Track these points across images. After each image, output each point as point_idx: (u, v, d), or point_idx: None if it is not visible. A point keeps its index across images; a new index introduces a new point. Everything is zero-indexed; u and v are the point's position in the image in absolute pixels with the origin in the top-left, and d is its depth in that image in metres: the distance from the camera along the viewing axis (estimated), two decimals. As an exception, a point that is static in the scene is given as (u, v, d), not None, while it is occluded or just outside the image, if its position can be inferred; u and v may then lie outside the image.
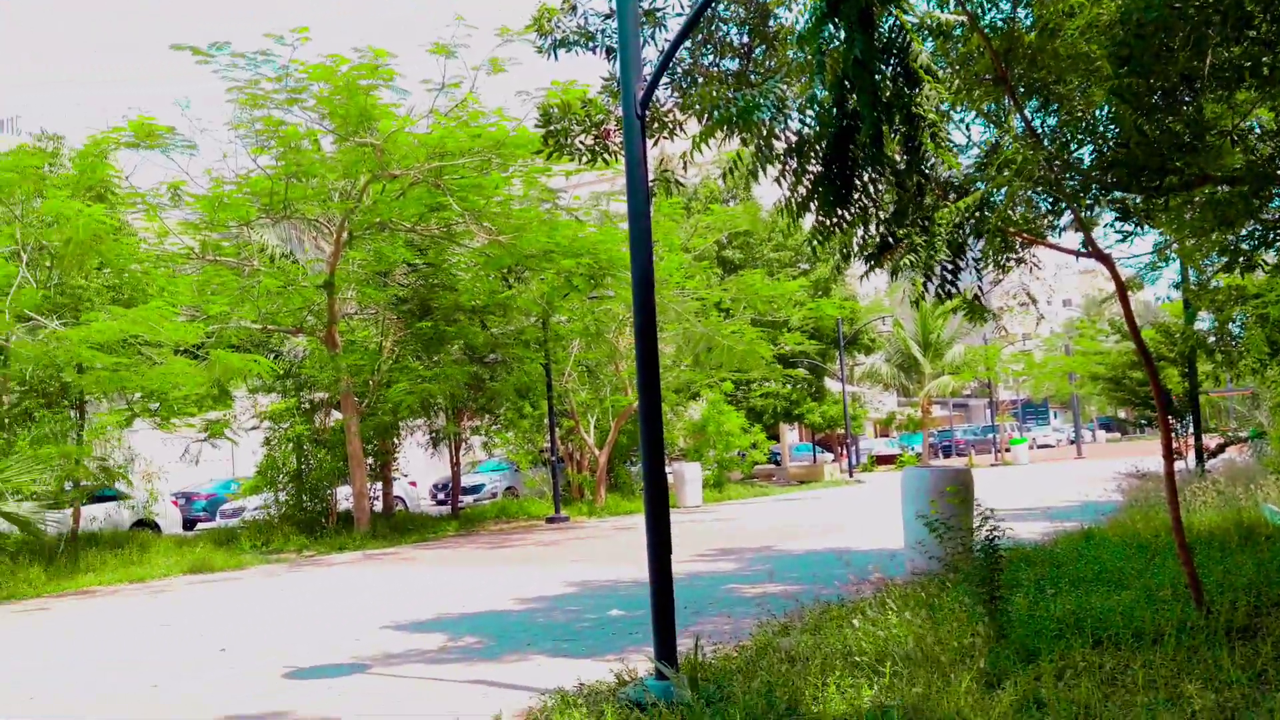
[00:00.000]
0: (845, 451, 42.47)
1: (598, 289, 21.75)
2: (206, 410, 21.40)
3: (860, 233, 7.81)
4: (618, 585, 11.74)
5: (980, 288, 8.37)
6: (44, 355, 15.17)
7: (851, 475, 39.52)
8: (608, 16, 8.73)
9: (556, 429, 25.82)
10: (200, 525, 28.77)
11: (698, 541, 16.40)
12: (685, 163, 7.78)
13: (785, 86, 6.64)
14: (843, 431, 40.97)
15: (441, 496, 34.53)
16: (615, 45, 8.57)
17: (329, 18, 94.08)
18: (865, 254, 7.92)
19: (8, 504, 14.62)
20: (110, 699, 7.27)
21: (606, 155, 9.07)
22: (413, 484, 31.11)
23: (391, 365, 22.27)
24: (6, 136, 41.18)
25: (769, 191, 38.30)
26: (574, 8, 8.65)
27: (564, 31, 8.74)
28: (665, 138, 8.99)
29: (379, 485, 23.96)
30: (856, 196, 7.29)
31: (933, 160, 6.96)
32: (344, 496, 22.73)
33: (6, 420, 17.49)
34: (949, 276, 7.73)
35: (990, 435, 55.18)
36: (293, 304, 21.07)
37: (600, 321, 24.12)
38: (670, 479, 23.99)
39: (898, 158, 7.22)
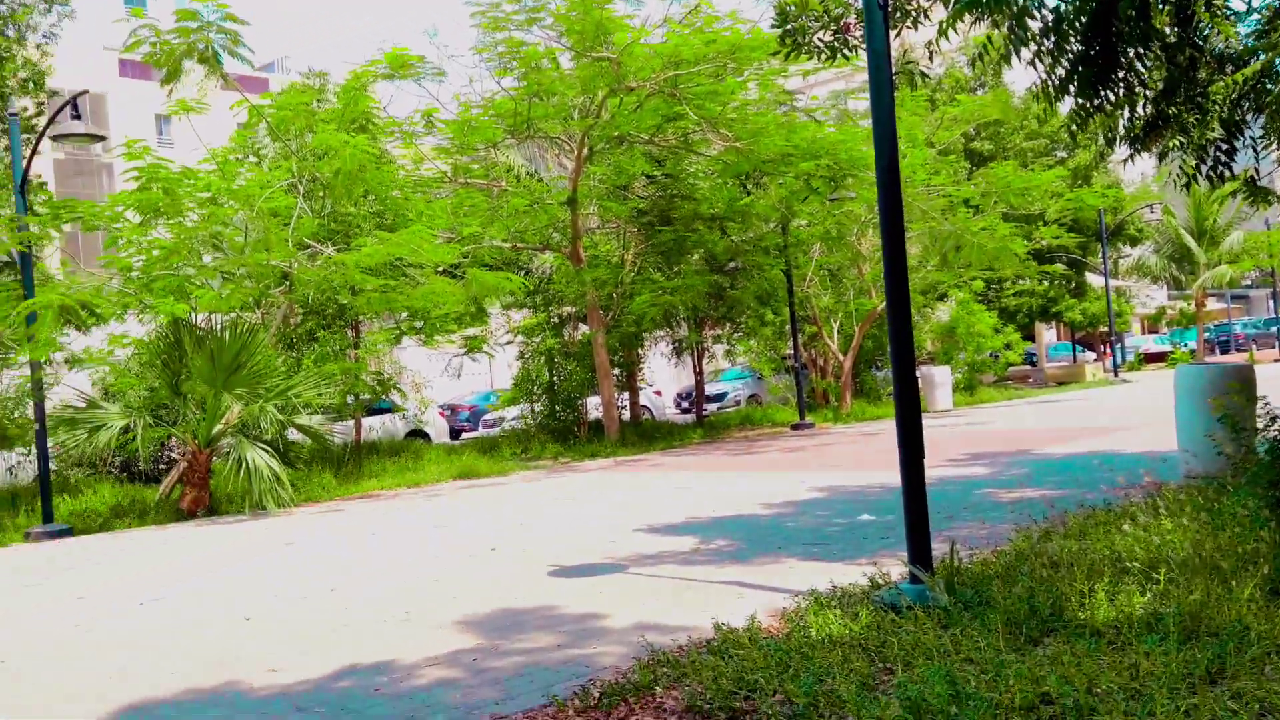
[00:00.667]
0: (1109, 350, 40.05)
1: (838, 191, 21.27)
2: (465, 327, 22.66)
3: (1125, 114, 7.26)
4: (866, 490, 11.67)
5: (1257, 168, 7.61)
6: (322, 280, 16.43)
7: (1116, 375, 37.30)
8: (844, -96, 8.36)
9: (799, 335, 25.69)
10: (465, 434, 30.73)
11: (948, 446, 16.02)
12: (931, 52, 7.42)
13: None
14: (1105, 329, 38.59)
15: (686, 405, 35.27)
16: (853, -66, 8.22)
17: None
18: (1131, 137, 7.35)
19: (300, 417, 16.12)
20: (404, 589, 7.96)
21: (846, 51, 8.75)
22: (658, 393, 31.92)
23: (634, 277, 22.74)
24: (278, 76, 44.30)
25: (1020, 77, 36.21)
26: (809, -101, 8.32)
27: (800, -75, 8.44)
28: (908, 27, 8.59)
29: (626, 395, 24.71)
30: (1120, 75, 6.75)
31: (1207, 31, 6.33)
32: (593, 406, 23.62)
33: (293, 340, 19.16)
34: (1223, 157, 7.09)
35: (1273, 329, 50.51)
36: (539, 222, 21.82)
37: (841, 224, 23.63)
38: (918, 383, 23.45)
39: (1166, 30, 6.62)
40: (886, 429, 21.51)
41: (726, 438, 22.93)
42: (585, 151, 20.76)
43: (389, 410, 23.40)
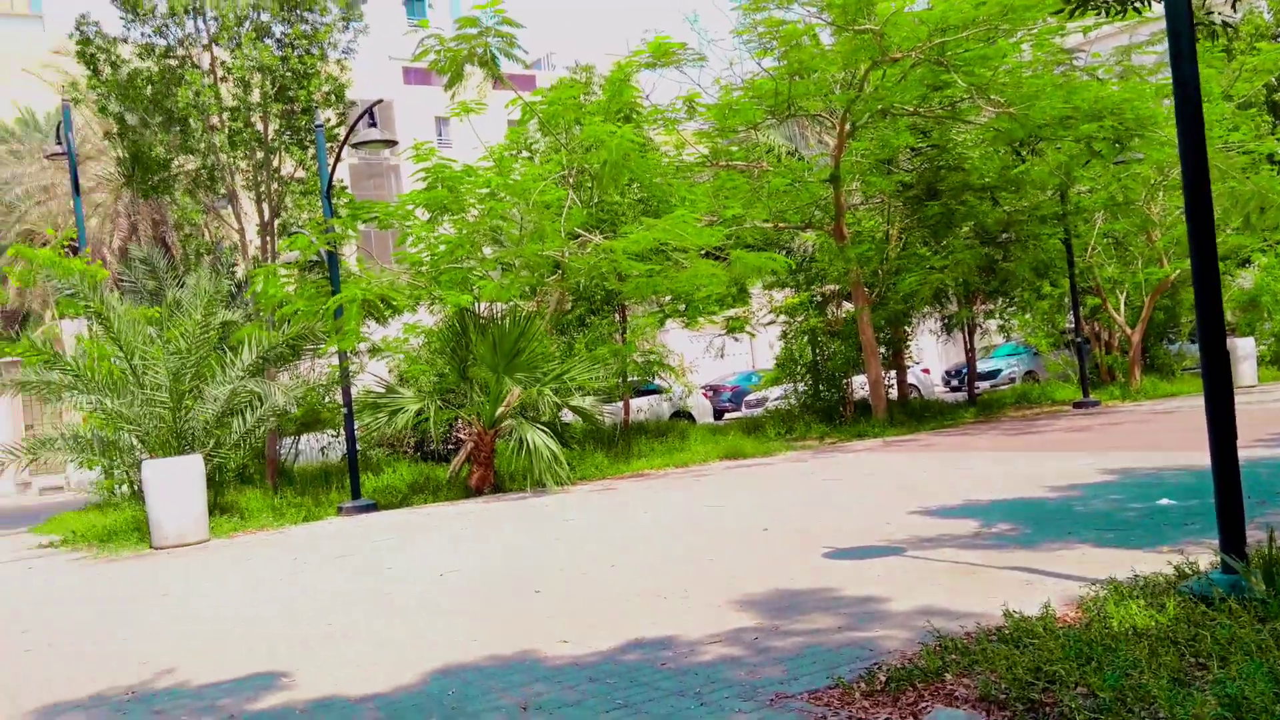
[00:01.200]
0: None
1: (1124, 153, 19.82)
2: (727, 308, 22.88)
3: None
4: (1163, 473, 10.88)
5: None
6: (592, 267, 17.03)
7: None
8: None
9: (1080, 308, 24.23)
10: (727, 415, 31.04)
11: (1257, 425, 14.67)
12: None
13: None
14: None
15: (955, 383, 34.07)
16: (1143, -125, 7.63)
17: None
18: None
19: (574, 398, 16.81)
20: (681, 567, 8.18)
21: (1136, 4, 8.16)
22: (925, 371, 30.99)
23: (899, 253, 22.16)
24: (544, 72, 46.18)
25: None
26: None
27: None
28: (1208, -29, 7.90)
29: (892, 373, 24.15)
30: None
31: None
32: (859, 385, 23.24)
33: (564, 327, 19.99)
34: None
35: None
36: (800, 200, 21.64)
37: (1128, 188, 22.04)
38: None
39: None
40: (1182, 407, 19.94)
41: (1001, 417, 21.98)
42: (847, 127, 20.39)
43: (655, 392, 24.00)
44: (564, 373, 16.56)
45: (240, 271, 19.71)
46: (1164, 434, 15.39)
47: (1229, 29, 8.16)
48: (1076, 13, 8.45)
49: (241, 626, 7.52)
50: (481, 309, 16.99)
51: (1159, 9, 7.40)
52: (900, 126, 21.03)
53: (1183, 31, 5.65)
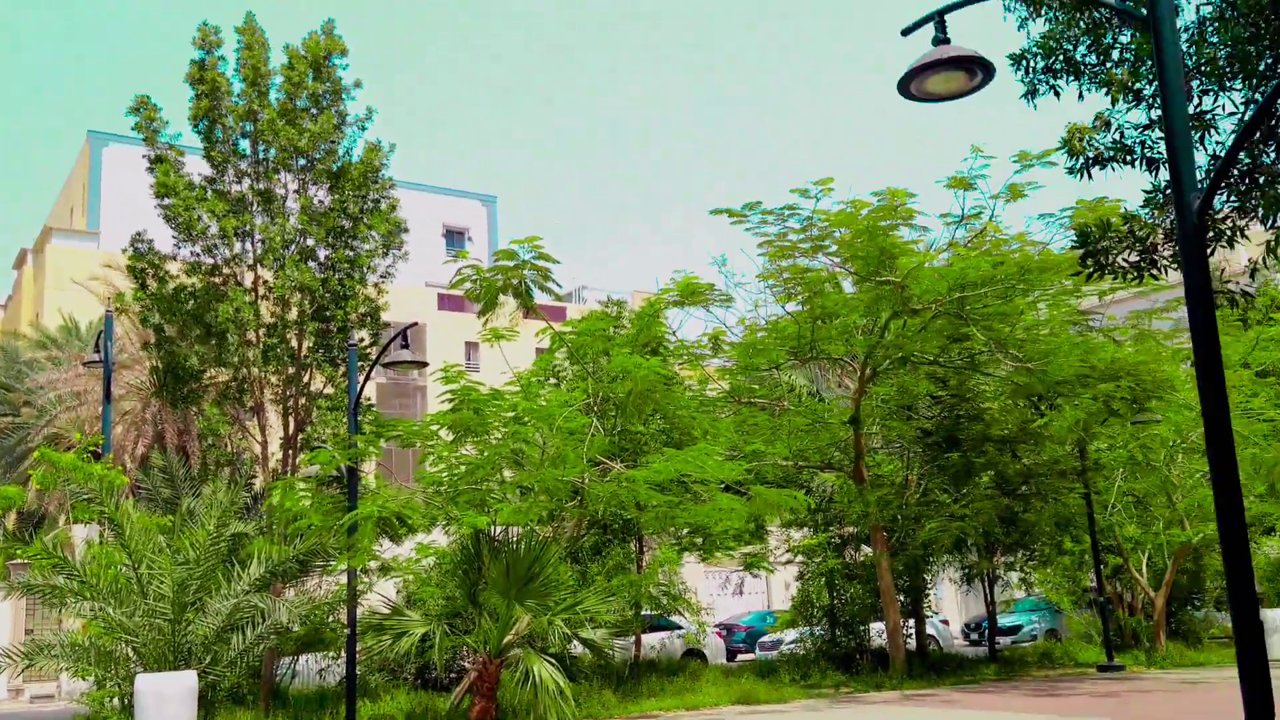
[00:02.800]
0: None
1: (1142, 413, 19.99)
2: (745, 544, 22.59)
3: None
4: (1198, 748, 10.35)
5: None
6: (611, 495, 16.98)
7: None
8: (1146, 127, 8.26)
9: (1102, 566, 23.77)
10: (741, 656, 30.04)
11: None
12: (1253, 270, 7.03)
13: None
14: None
15: (975, 636, 33.05)
16: (1157, 156, 8.07)
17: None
18: None
19: (585, 630, 16.36)
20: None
21: (1154, 271, 8.45)
22: (945, 622, 30.16)
23: (919, 498, 22.04)
24: (575, 305, 47.74)
25: (1346, 291, 32.96)
26: (1108, 123, 8.30)
27: (1097, 149, 8.40)
28: (1222, 246, 8.20)
29: (911, 622, 23.51)
30: None
31: None
32: (876, 632, 22.59)
33: (580, 555, 19.73)
34: None
35: None
36: (820, 441, 21.77)
37: (1147, 448, 22.08)
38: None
39: None
40: (1211, 678, 19.18)
41: (1024, 676, 21.17)
42: (867, 372, 20.75)
43: (668, 628, 23.41)
44: (577, 603, 16.17)
45: (258, 483, 19.76)
46: (1196, 707, 14.75)
47: (1247, 298, 8.39)
48: (1094, 277, 8.75)
49: None
50: (497, 532, 16.85)
51: (1174, 277, 7.64)
52: (920, 374, 21.39)
53: (1201, 295, 5.80)
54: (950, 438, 21.98)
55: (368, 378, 16.14)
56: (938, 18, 7.08)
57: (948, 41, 7.03)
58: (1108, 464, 22.98)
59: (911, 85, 7.13)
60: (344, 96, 19.11)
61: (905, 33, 7.28)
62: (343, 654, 16.84)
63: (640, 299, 21.04)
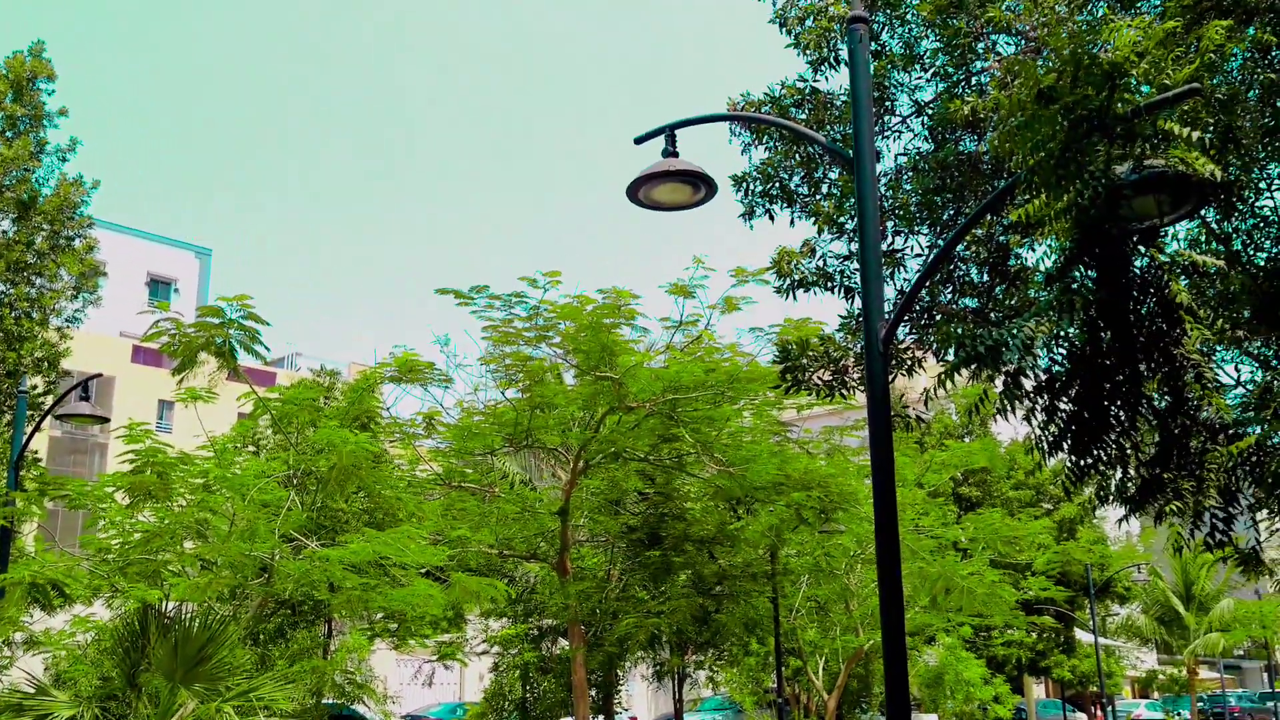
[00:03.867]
0: (1101, 712, 38.66)
1: (829, 523, 21.30)
2: (441, 632, 22.01)
3: (1118, 474, 7.41)
4: None
5: (1257, 538, 7.68)
6: (304, 574, 16.11)
7: (1109, 738, 35.77)
8: (845, 258, 8.97)
9: (784, 668, 24.88)
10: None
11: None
12: (927, 398, 7.69)
13: (1033, 325, 6.53)
14: (1096, 690, 37.42)
15: (662, 734, 33.60)
16: (853, 285, 8.76)
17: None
18: (1125, 498, 7.47)
19: (259, 718, 15.27)
20: None
21: (844, 390, 9.09)
22: (634, 719, 30.50)
23: (619, 594, 22.32)
24: (287, 371, 45.65)
25: (1006, 427, 37.00)
26: (813, 251, 8.95)
27: (803, 273, 9.02)
28: (903, 374, 8.96)
29: (600, 719, 23.57)
30: (1113, 437, 6.96)
31: (1197, 402, 6.59)
32: (567, 727, 22.49)
33: (263, 636, 18.53)
34: (1221, 525, 7.16)
35: (1271, 705, 48.68)
36: (528, 530, 21.71)
37: (831, 556, 23.49)
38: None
39: (1156, 397, 6.89)
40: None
41: (703, 775, 21.62)
42: (581, 464, 20.98)
43: (352, 718, 22.27)
44: (252, 689, 15.06)
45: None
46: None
47: (921, 423, 9.16)
48: (791, 391, 9.30)
49: None
50: (170, 608, 15.52)
51: (862, 398, 8.23)
52: (631, 470, 21.87)
53: (882, 418, 6.28)
54: (654, 535, 22.51)
55: (36, 429, 14.65)
56: (669, 132, 7.42)
57: (676, 155, 7.37)
58: (795, 569, 24.23)
59: (640, 192, 7.41)
60: (45, 122, 17.65)
61: (638, 141, 7.57)
62: (-32, 739, 14.82)
63: (356, 371, 20.44)
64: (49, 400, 16.89)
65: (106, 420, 14.53)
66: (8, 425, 16.58)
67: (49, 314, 17.37)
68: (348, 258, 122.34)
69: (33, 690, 14.86)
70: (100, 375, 15.09)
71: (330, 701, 20.34)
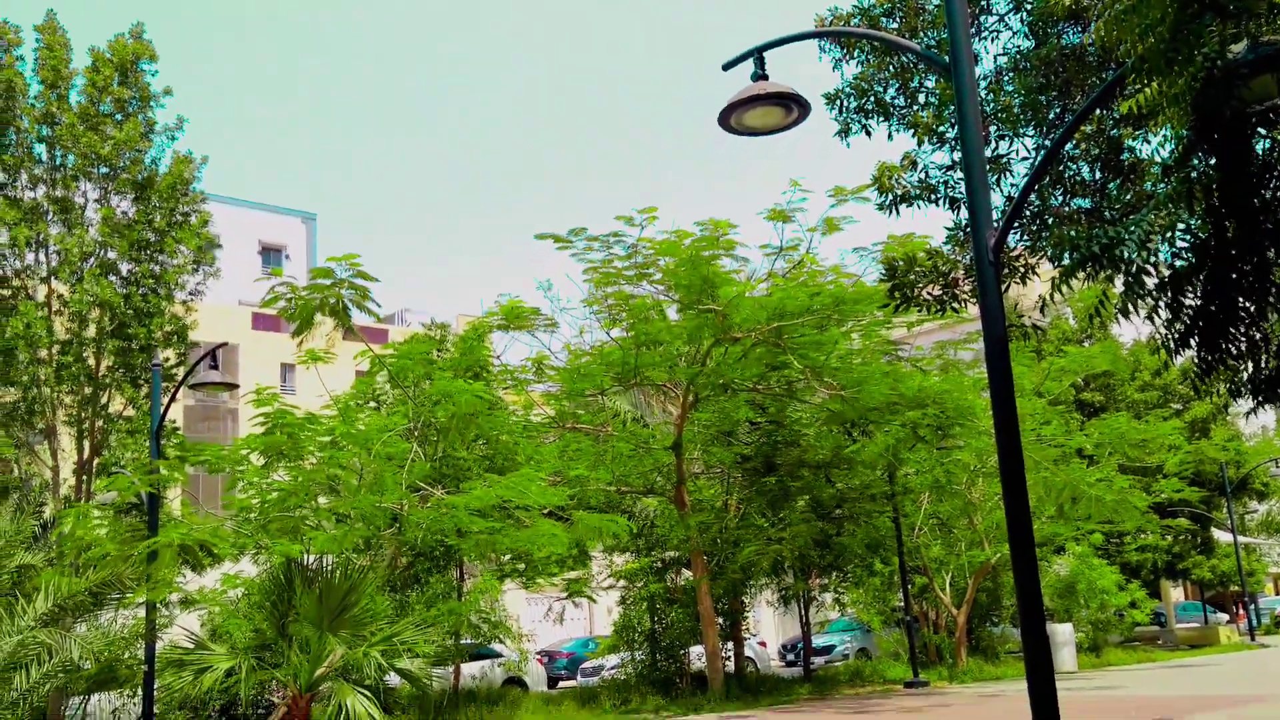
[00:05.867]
0: (1243, 611, 37.62)
1: (946, 440, 21.04)
2: (567, 570, 22.52)
3: (1249, 366, 7.14)
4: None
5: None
6: (432, 522, 16.65)
7: (1253, 638, 34.83)
8: (949, 168, 8.74)
9: (909, 586, 24.83)
10: (562, 683, 29.88)
11: (1081, 713, 14.96)
12: (1043, 306, 7.49)
13: (1151, 219, 6.28)
14: (1237, 589, 36.40)
15: (791, 657, 33.90)
16: (958, 195, 8.54)
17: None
18: (1256, 389, 7.20)
19: (402, 660, 15.93)
20: None
21: (955, 304, 8.91)
22: (762, 644, 30.85)
23: (738, 523, 22.50)
24: (398, 328, 46.74)
25: (1127, 329, 35.87)
26: (914, 163, 8.73)
27: (905, 187, 8.82)
28: (1016, 282, 8.72)
29: (729, 645, 23.92)
30: (1242, 330, 6.69)
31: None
32: (696, 656, 22.88)
33: (400, 584, 19.24)
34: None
35: None
36: (643, 466, 21.98)
37: (951, 473, 23.23)
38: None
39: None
40: (1007, 690, 20.25)
41: (836, 694, 21.83)
42: (690, 398, 21.10)
43: (489, 656, 23.06)
44: (394, 634, 15.71)
45: (48, 511, 18.46)
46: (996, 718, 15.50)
47: (1038, 330, 8.94)
48: (900, 309, 9.15)
49: None
50: (310, 561, 16.22)
51: (974, 310, 8.08)
52: (740, 401, 21.91)
53: (997, 329, 6.15)
54: (768, 463, 22.57)
55: (172, 399, 15.34)
56: (757, 55, 7.29)
57: (766, 78, 7.25)
58: (915, 488, 24.05)
59: (731, 118, 7.32)
60: (152, 103, 18.22)
61: (726, 67, 7.47)
62: (139, 692, 15.84)
63: (464, 323, 20.80)
64: (180, 372, 17.68)
65: (236, 386, 15.16)
66: (145, 398, 17.40)
67: (173, 289, 18.07)
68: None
69: (191, 645, 15.77)
70: (225, 344, 15.72)
71: (468, 641, 21.08)
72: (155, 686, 14.25)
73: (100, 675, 15.77)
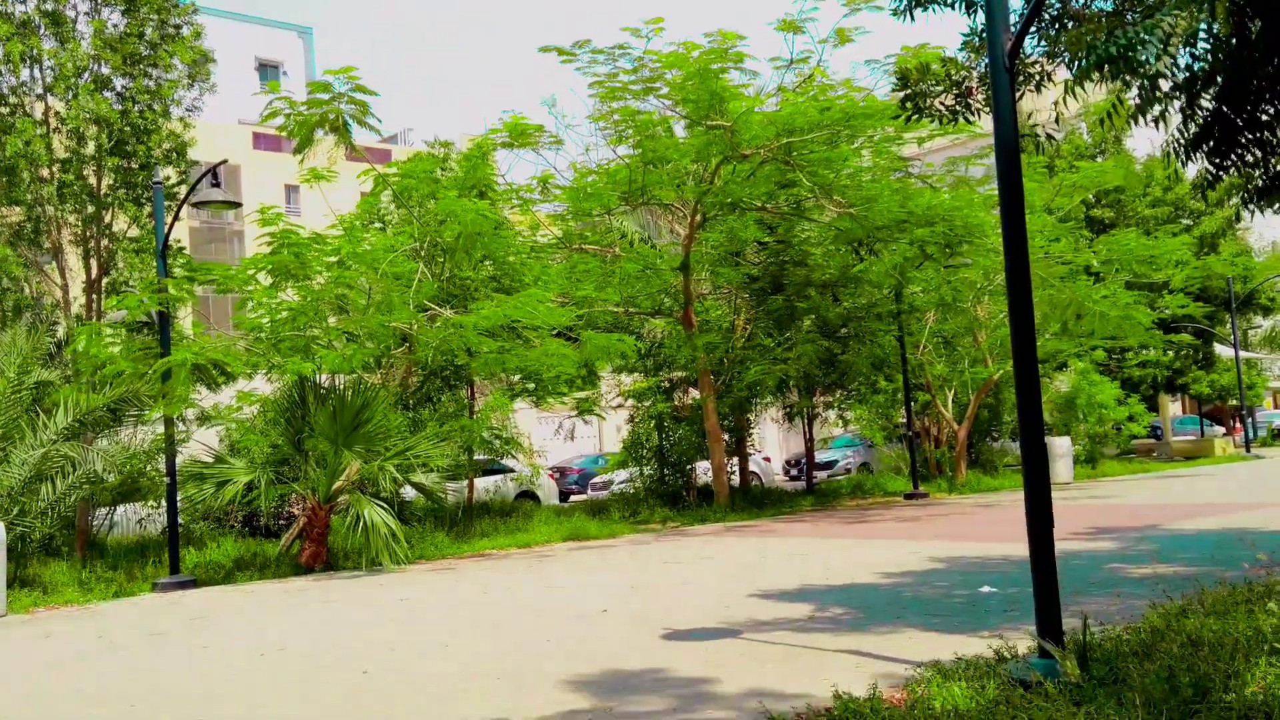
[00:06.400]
0: (1240, 424, 38.28)
1: (954, 257, 20.97)
2: (577, 390, 22.88)
3: (1260, 173, 7.02)
4: (986, 562, 11.31)
5: None
6: (441, 341, 16.82)
7: (1248, 450, 35.58)
8: (965, -32, 8.35)
9: (912, 403, 25.24)
10: (573, 497, 30.82)
11: (1073, 519, 15.45)
12: (1056, 114, 7.30)
13: (1171, 20, 6.04)
14: (1236, 403, 36.94)
15: (795, 472, 34.82)
16: (974, -2, 8.20)
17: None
18: (1265, 192, 7.09)
19: (417, 474, 16.43)
20: (517, 648, 7.99)
21: (969, 115, 8.68)
22: (767, 459, 31.61)
23: (745, 343, 22.71)
24: (401, 147, 45.99)
25: (1140, 143, 35.08)
26: (930, -36, 8.35)
27: (920, -11, 8.45)
28: (1031, 90, 8.48)
29: (735, 460, 24.54)
30: (1256, 135, 6.55)
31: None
32: (703, 471, 23.51)
33: (412, 402, 19.61)
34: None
35: None
36: (651, 287, 22.02)
37: (957, 291, 23.26)
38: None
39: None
40: (1004, 500, 20.87)
41: (838, 506, 22.54)
42: (698, 218, 20.94)
43: (501, 471, 23.70)
44: (408, 448, 16.17)
45: (61, 330, 18.66)
46: (986, 526, 16.05)
47: (1052, 141, 8.75)
48: (911, 120, 8.93)
49: (35, 712, 6.93)
50: (323, 379, 16.51)
51: (987, 124, 7.90)
52: (748, 221, 21.74)
53: (1009, 137, 6.03)
54: (776, 283, 22.59)
55: (175, 218, 15.27)
56: None
57: None
58: (921, 306, 24.13)
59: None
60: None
61: None
62: (163, 503, 16.40)
63: (468, 141, 20.42)
64: (183, 190, 17.51)
65: (238, 205, 15.04)
66: (149, 217, 17.30)
67: (169, 104, 17.69)
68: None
69: (211, 460, 16.24)
70: (225, 162, 15.50)
71: (481, 457, 21.63)
72: (178, 498, 14.74)
73: (123, 487, 16.30)
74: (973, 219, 19.81)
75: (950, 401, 27.38)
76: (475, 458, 21.04)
